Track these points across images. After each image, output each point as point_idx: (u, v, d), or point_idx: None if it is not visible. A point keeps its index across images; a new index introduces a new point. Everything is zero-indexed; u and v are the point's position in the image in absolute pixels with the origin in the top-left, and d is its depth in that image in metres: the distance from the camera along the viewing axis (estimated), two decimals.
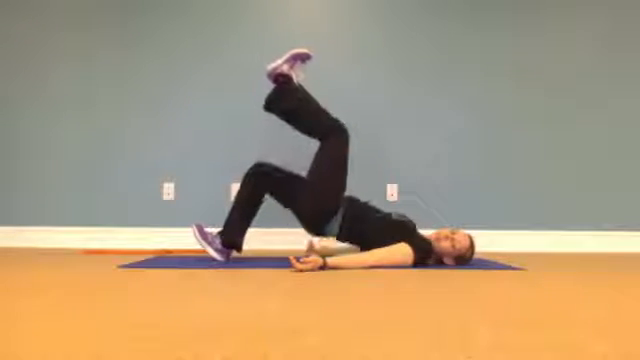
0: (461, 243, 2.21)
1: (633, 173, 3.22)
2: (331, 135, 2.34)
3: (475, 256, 2.74)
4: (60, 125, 3.22)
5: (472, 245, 2.26)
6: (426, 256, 2.19)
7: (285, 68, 2.36)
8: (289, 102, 2.37)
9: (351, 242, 2.31)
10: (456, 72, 3.25)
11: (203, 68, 3.24)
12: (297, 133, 3.14)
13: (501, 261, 2.48)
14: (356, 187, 3.15)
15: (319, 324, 1.02)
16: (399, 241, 2.17)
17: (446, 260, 2.25)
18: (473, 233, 3.13)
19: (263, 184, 2.36)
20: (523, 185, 3.19)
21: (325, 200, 2.30)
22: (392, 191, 3.18)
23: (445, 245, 2.21)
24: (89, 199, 3.17)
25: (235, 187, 3.12)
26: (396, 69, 3.25)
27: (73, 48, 3.25)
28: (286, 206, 2.42)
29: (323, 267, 1.97)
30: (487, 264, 2.33)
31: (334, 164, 2.33)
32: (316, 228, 2.35)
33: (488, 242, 3.13)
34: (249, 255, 2.63)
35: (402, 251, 2.13)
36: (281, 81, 2.37)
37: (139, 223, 3.15)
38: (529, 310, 1.20)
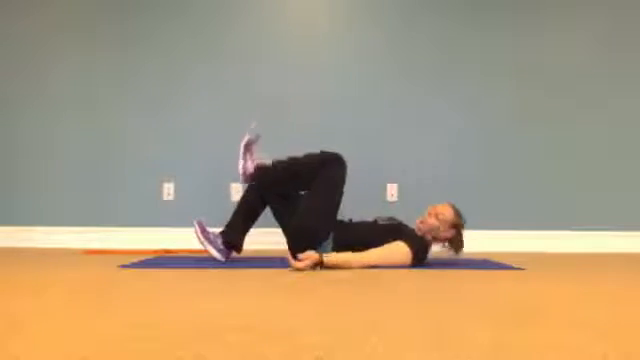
0: (443, 211, 2.22)
1: (633, 173, 3.22)
2: (327, 165, 2.28)
3: (476, 256, 2.74)
4: (60, 125, 3.22)
5: (456, 210, 2.26)
6: (424, 251, 2.19)
7: (250, 165, 2.35)
8: (277, 182, 2.37)
9: None
10: (456, 72, 3.25)
11: (202, 68, 3.24)
12: (297, 134, 3.14)
13: (501, 261, 2.48)
14: (356, 187, 3.15)
15: (319, 324, 1.02)
16: (395, 240, 2.17)
17: (443, 234, 2.23)
18: (473, 233, 3.13)
19: (266, 195, 2.40)
20: (523, 185, 3.19)
21: (317, 221, 2.24)
22: (392, 191, 3.18)
23: (431, 222, 2.21)
24: (89, 199, 3.17)
25: (235, 187, 3.13)
26: (396, 69, 3.25)
27: (73, 48, 3.25)
28: (279, 219, 2.41)
29: (320, 265, 1.97)
30: (487, 264, 2.33)
31: (329, 188, 2.28)
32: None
33: (488, 242, 3.13)
34: (249, 255, 2.63)
35: (400, 250, 2.13)
36: (256, 176, 2.36)
37: (139, 223, 3.15)
38: (529, 310, 1.20)
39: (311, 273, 1.88)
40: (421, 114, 3.23)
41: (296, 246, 2.20)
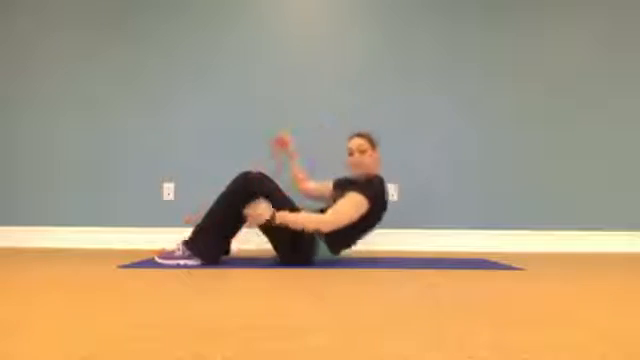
0: (354, 142, 2.35)
1: (633, 173, 3.22)
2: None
3: (476, 256, 2.74)
4: (60, 125, 3.22)
5: (363, 134, 2.40)
6: (380, 190, 2.23)
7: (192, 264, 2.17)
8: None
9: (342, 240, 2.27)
10: (456, 72, 3.25)
11: (202, 68, 3.24)
12: (297, 134, 3.14)
13: (501, 261, 2.48)
14: None
15: (319, 324, 1.02)
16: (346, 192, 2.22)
17: (375, 155, 2.39)
18: (473, 233, 3.14)
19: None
20: (523, 185, 3.19)
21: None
22: (392, 191, 3.17)
23: (351, 159, 2.35)
24: (89, 199, 3.17)
25: None
26: (396, 68, 3.25)
27: (73, 48, 3.25)
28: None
29: (271, 220, 2.03)
30: (487, 264, 2.33)
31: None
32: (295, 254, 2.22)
33: (488, 242, 3.13)
34: (248, 255, 2.63)
35: (351, 200, 2.15)
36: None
37: (139, 223, 3.15)
38: (529, 310, 1.20)
39: (312, 274, 1.88)
40: (421, 114, 3.22)
41: (283, 258, 2.23)
